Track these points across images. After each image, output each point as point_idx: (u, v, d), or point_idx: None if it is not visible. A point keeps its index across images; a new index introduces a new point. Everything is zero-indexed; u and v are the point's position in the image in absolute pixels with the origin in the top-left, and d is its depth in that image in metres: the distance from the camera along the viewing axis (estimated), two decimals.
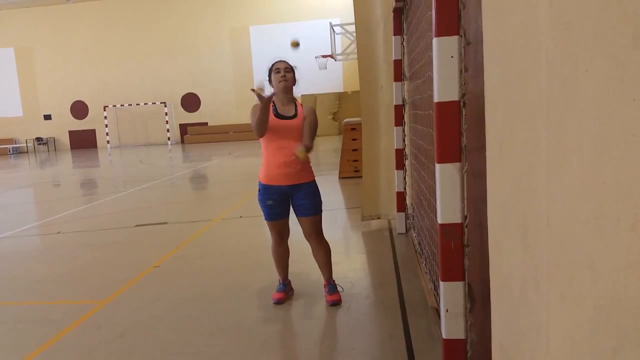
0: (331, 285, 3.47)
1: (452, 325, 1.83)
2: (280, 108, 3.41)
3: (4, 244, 6.10)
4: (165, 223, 6.57)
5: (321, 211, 3.48)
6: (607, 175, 0.79)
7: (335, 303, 3.37)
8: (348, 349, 2.78)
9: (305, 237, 3.47)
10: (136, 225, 6.52)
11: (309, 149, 3.25)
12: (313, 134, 3.40)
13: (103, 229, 6.55)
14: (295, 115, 3.39)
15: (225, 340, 3.00)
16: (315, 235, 3.44)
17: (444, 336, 1.86)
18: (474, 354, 1.87)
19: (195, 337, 3.08)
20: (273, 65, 3.45)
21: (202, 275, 4.28)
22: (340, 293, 3.47)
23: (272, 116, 3.35)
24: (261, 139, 3.38)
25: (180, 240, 5.48)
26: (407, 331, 2.96)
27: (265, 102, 3.15)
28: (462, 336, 1.83)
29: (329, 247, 3.51)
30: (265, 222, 3.50)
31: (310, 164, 3.49)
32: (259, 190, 3.45)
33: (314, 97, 26.86)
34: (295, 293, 3.61)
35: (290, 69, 3.42)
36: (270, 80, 3.46)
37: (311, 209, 3.42)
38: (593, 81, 0.82)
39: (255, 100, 3.27)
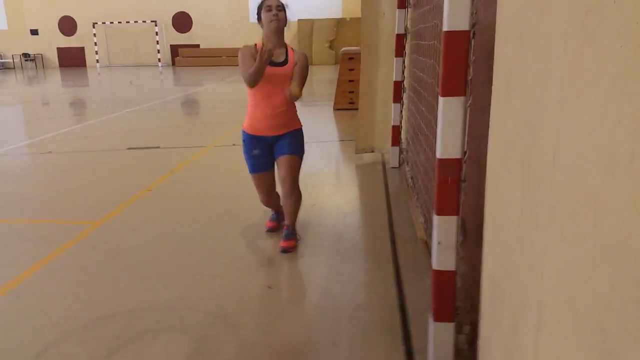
0: (289, 231, 3.26)
1: (443, 257, 1.87)
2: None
3: None
4: (158, 147, 6.52)
5: (301, 157, 3.26)
6: (625, 114, 0.77)
7: (287, 250, 3.18)
8: (338, 275, 2.86)
9: (280, 180, 3.24)
10: (128, 148, 6.48)
11: (296, 96, 3.02)
12: (303, 80, 3.17)
13: (95, 150, 6.50)
14: (285, 62, 3.16)
15: (219, 264, 3.07)
16: (290, 181, 3.20)
17: (434, 267, 1.91)
18: (464, 285, 1.93)
19: (189, 259, 3.14)
20: (263, 2, 3.16)
21: (196, 201, 4.31)
22: (298, 241, 3.30)
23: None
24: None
25: (173, 166, 5.47)
26: (395, 261, 3.04)
27: (266, 59, 2.91)
28: (452, 268, 1.88)
29: (300, 197, 3.28)
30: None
31: (297, 112, 3.32)
32: (244, 140, 3.27)
33: (310, 23, 26.00)
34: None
35: (282, 7, 3.14)
36: (259, 19, 3.19)
37: (291, 147, 3.21)
38: (621, 13, 0.78)
39: (244, 42, 3.00)
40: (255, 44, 3.21)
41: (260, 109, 3.17)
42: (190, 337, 2.30)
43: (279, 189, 3.33)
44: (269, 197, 3.37)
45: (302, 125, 3.31)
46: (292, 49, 3.26)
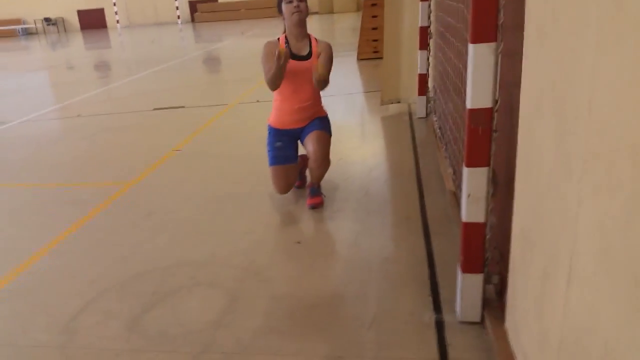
0: (314, 188, 3.22)
1: (472, 209, 1.85)
2: (293, 45, 3.11)
3: (26, 127, 6.19)
4: (183, 107, 6.54)
5: (330, 135, 3.22)
6: None
7: (315, 206, 3.16)
8: (366, 230, 2.88)
9: (310, 152, 3.13)
10: (154, 109, 6.52)
11: (323, 75, 2.95)
12: (329, 66, 3.09)
13: (122, 112, 6.57)
14: (309, 55, 3.10)
15: (247, 221, 3.11)
16: (322, 153, 3.11)
17: (463, 219, 1.89)
18: (493, 237, 1.91)
19: (219, 217, 3.20)
20: None
21: (223, 159, 4.35)
22: (324, 197, 3.26)
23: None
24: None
25: (199, 125, 5.50)
26: (423, 213, 3.03)
27: (282, 63, 2.85)
28: (481, 220, 1.86)
29: (329, 165, 3.21)
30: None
31: (322, 104, 3.29)
32: (269, 133, 3.26)
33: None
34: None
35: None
36: (280, 10, 3.11)
37: (320, 126, 3.17)
38: None
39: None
40: (279, 39, 3.16)
41: (288, 104, 3.16)
42: (224, 292, 2.37)
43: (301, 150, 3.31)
44: (287, 189, 3.24)
45: (327, 114, 3.30)
46: (315, 39, 3.18)
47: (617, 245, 0.90)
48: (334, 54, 3.15)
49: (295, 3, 3.05)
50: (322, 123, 3.22)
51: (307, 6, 3.11)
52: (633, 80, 0.81)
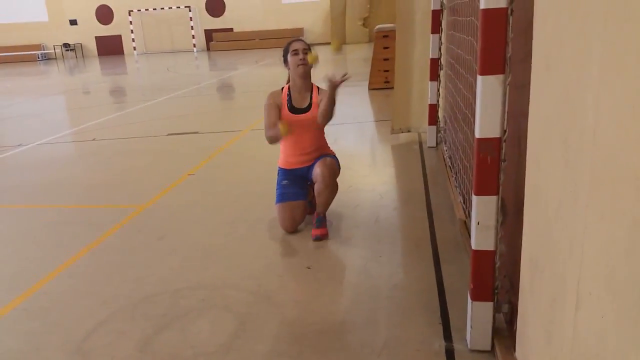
0: (320, 218, 3.16)
1: (482, 237, 1.87)
2: (295, 98, 3.19)
3: (43, 150, 6.33)
4: (197, 132, 6.66)
5: (339, 167, 3.23)
6: None
7: (320, 238, 3.10)
8: (376, 256, 2.89)
9: (318, 175, 3.11)
10: (168, 134, 6.64)
11: (330, 113, 3.01)
12: (332, 104, 3.06)
13: (136, 137, 6.70)
14: (309, 107, 3.17)
15: (258, 245, 3.15)
16: (330, 175, 3.10)
17: (473, 247, 1.91)
18: (503, 265, 1.93)
19: (231, 241, 3.23)
20: (290, 45, 3.16)
21: (236, 183, 4.41)
22: (329, 228, 3.21)
23: (285, 109, 3.17)
24: None
25: (212, 150, 5.59)
26: (433, 241, 3.05)
27: (280, 134, 2.97)
28: (491, 247, 1.88)
29: (337, 190, 3.21)
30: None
31: (328, 145, 3.39)
32: (278, 173, 3.36)
33: (343, 1, 25.63)
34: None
35: (308, 50, 3.12)
36: (286, 62, 3.19)
37: (328, 157, 3.19)
38: None
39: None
40: (282, 89, 3.23)
41: (293, 151, 3.27)
42: (234, 315, 2.39)
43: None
44: (293, 227, 3.21)
45: (335, 153, 3.38)
46: (317, 88, 3.25)
47: (621, 270, 0.92)
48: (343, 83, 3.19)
49: (300, 55, 3.09)
50: (329, 156, 3.27)
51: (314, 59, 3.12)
52: (634, 111, 0.85)
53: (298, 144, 3.24)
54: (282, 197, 3.24)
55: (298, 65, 3.10)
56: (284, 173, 3.33)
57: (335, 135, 5.72)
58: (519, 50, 1.65)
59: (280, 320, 2.34)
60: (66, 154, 6.18)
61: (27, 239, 3.53)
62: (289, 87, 3.24)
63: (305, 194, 3.31)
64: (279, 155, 3.39)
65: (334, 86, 2.96)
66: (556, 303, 1.34)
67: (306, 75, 3.16)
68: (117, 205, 4.06)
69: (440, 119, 5.07)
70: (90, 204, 4.16)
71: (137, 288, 2.70)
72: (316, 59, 3.10)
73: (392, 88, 5.56)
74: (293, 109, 3.19)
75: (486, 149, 1.74)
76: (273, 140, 3.15)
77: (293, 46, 3.14)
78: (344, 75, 2.96)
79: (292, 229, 3.23)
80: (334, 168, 3.18)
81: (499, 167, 1.76)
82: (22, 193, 4.58)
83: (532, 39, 1.49)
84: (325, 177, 3.11)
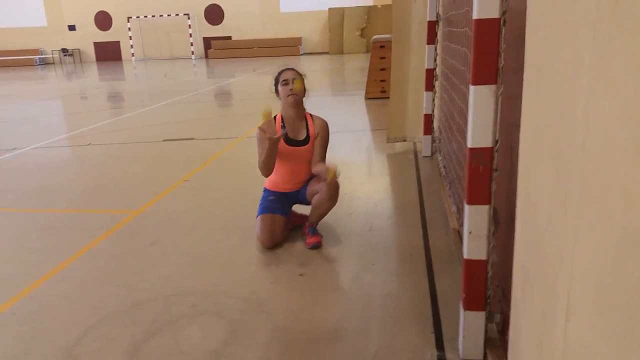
0: (313, 228, 3.15)
1: (474, 246, 1.87)
2: (290, 130, 3.15)
3: (37, 154, 6.31)
4: (192, 139, 6.66)
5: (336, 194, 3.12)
6: None
7: (317, 245, 3.08)
8: (369, 265, 2.88)
9: (323, 186, 3.03)
10: (164, 140, 6.63)
11: (336, 176, 2.92)
12: (324, 154, 3.18)
13: (132, 142, 6.69)
14: (307, 140, 3.15)
15: (251, 252, 3.13)
16: (335, 186, 3.04)
17: (465, 256, 1.91)
18: (495, 275, 1.93)
19: (223, 248, 3.22)
20: (280, 74, 3.13)
21: (230, 190, 4.40)
22: (322, 236, 3.17)
23: (282, 142, 3.10)
24: None
25: (207, 157, 5.58)
26: (427, 250, 3.05)
27: (272, 144, 2.89)
28: (483, 257, 1.87)
29: (335, 204, 3.14)
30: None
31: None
32: (264, 191, 3.29)
33: (341, 12, 25.78)
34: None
35: (300, 79, 3.10)
36: (277, 91, 3.16)
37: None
38: None
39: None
40: (275, 117, 3.18)
41: (286, 178, 3.21)
42: (225, 322, 2.37)
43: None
44: (271, 240, 3.09)
45: None
46: (311, 117, 3.21)
47: (610, 282, 0.92)
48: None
49: (291, 85, 3.06)
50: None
51: (303, 87, 3.11)
52: (622, 121, 0.86)
53: (294, 174, 3.20)
54: (264, 210, 3.17)
55: (288, 95, 3.07)
56: (272, 193, 3.27)
57: (331, 144, 5.70)
58: (512, 61, 1.66)
59: (272, 327, 2.33)
60: (61, 158, 6.16)
61: (19, 243, 3.51)
62: (281, 117, 3.19)
63: (288, 213, 3.26)
64: (267, 180, 3.29)
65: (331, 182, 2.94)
66: (547, 313, 1.34)
67: (297, 105, 3.12)
68: (111, 210, 4.04)
69: (435, 128, 5.08)
70: (83, 208, 4.14)
71: (128, 294, 2.68)
72: (302, 90, 3.09)
73: (388, 98, 5.58)
74: (289, 141, 3.14)
75: (478, 158, 1.74)
76: (267, 163, 3.01)
77: (283, 76, 3.11)
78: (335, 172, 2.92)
79: (270, 243, 3.10)
80: (338, 184, 3.12)
81: (490, 177, 1.76)
82: (15, 197, 4.56)
83: (524, 50, 1.50)
84: (332, 189, 3.04)
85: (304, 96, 3.15)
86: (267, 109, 2.91)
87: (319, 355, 2.12)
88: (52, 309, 2.57)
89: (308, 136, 3.17)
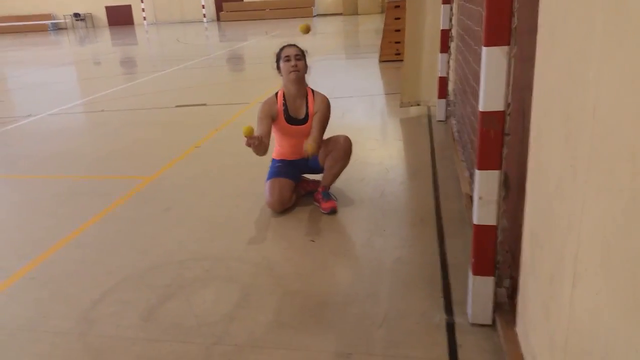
0: (327, 192, 3.20)
1: (484, 212, 1.86)
2: (291, 108, 3.16)
3: (52, 120, 6.36)
4: (204, 104, 6.64)
5: (351, 150, 3.19)
6: None
7: (334, 210, 3.12)
8: (380, 231, 2.89)
9: (336, 145, 3.12)
10: (176, 106, 6.63)
11: (313, 152, 2.90)
12: (322, 131, 3.17)
13: (145, 108, 6.70)
14: (306, 119, 3.17)
15: (263, 217, 3.16)
16: (347, 146, 3.11)
17: (474, 222, 1.90)
18: (504, 239, 1.92)
19: (236, 213, 3.25)
20: (281, 50, 3.14)
21: (241, 156, 4.38)
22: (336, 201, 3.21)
23: (283, 120, 3.15)
24: (273, 130, 3.18)
25: (220, 122, 5.57)
26: (438, 215, 3.04)
27: (257, 144, 2.87)
28: (493, 222, 1.86)
29: (347, 165, 3.22)
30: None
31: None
32: (272, 161, 3.31)
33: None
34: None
35: (301, 55, 3.11)
36: (278, 67, 3.16)
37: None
38: None
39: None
40: (276, 94, 3.19)
41: (289, 151, 3.28)
42: (237, 286, 2.42)
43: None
44: (281, 204, 3.12)
45: None
46: (312, 93, 3.20)
47: (617, 247, 0.91)
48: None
49: (292, 62, 3.08)
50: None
51: (305, 63, 3.14)
52: (633, 85, 0.83)
53: (298, 147, 3.23)
54: (272, 175, 3.21)
55: (290, 72, 3.09)
56: (280, 161, 3.31)
57: (344, 109, 5.68)
58: (525, 22, 1.60)
59: (283, 291, 2.36)
60: (75, 124, 6.20)
61: (35, 209, 3.58)
62: (283, 93, 3.20)
63: (298, 178, 3.30)
64: (274, 149, 3.35)
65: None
66: (554, 279, 1.34)
67: (299, 81, 3.13)
68: (125, 176, 4.08)
69: (450, 92, 4.99)
70: (98, 174, 4.20)
71: (143, 259, 2.73)
72: (304, 66, 3.11)
73: (403, 60, 5.47)
74: (290, 119, 3.18)
75: (490, 122, 1.71)
76: (258, 153, 3.02)
77: (285, 52, 3.13)
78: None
79: (279, 206, 3.13)
80: (351, 145, 3.17)
81: (502, 141, 1.73)
82: (31, 163, 4.62)
83: (538, 10, 1.44)
84: (345, 146, 3.11)
85: (305, 73, 3.17)
86: (248, 127, 2.88)
87: (329, 318, 2.15)
88: (69, 274, 2.64)
89: (307, 114, 3.19)
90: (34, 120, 6.40)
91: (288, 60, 3.09)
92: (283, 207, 3.16)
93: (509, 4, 1.57)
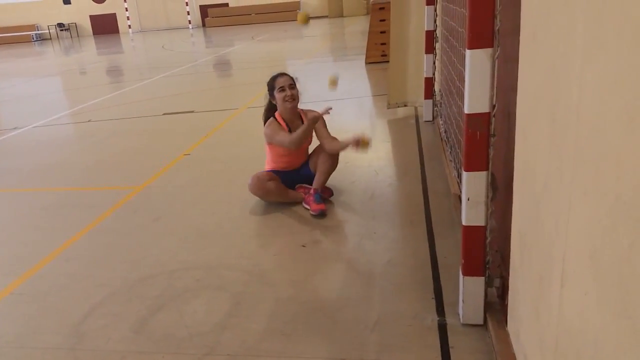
0: (318, 195, 3.25)
1: (472, 213, 1.86)
2: (293, 128, 3.30)
3: (39, 132, 6.30)
4: (192, 112, 6.61)
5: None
6: None
7: (324, 213, 3.16)
8: (370, 233, 2.89)
9: (325, 143, 3.28)
10: (164, 114, 6.59)
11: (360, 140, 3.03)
12: (328, 131, 3.34)
13: (132, 117, 6.65)
14: None
15: (254, 224, 3.15)
16: (336, 146, 3.25)
17: (463, 223, 1.90)
18: (493, 240, 1.92)
19: (226, 221, 3.23)
20: (274, 81, 3.26)
21: (231, 162, 4.39)
22: (326, 204, 3.28)
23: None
24: (269, 148, 3.34)
25: (208, 129, 5.55)
26: (428, 217, 3.04)
27: (311, 124, 3.05)
28: (482, 223, 1.87)
29: (337, 164, 3.36)
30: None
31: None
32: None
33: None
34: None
35: (293, 85, 3.26)
36: (272, 96, 3.29)
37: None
38: None
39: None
40: (275, 118, 3.33)
41: (284, 165, 3.39)
42: (229, 294, 2.40)
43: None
44: (261, 188, 3.27)
45: None
46: (303, 112, 3.36)
47: (603, 248, 0.91)
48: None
49: (287, 92, 3.22)
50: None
51: (298, 91, 3.28)
52: (615, 86, 0.83)
53: (290, 163, 3.40)
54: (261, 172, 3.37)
55: (285, 101, 3.24)
56: (274, 170, 3.41)
57: (332, 111, 5.65)
58: (509, 23, 1.61)
59: (275, 298, 2.35)
60: (62, 136, 6.14)
61: (23, 222, 3.53)
62: (280, 115, 3.35)
63: (290, 187, 3.41)
64: (266, 164, 3.46)
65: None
66: (543, 279, 1.34)
67: (294, 109, 3.30)
68: (113, 187, 4.05)
69: (436, 92, 5.01)
70: (86, 186, 4.16)
71: (133, 270, 2.71)
72: (297, 95, 3.27)
73: (389, 61, 5.49)
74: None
75: (475, 124, 1.71)
76: (300, 139, 3.11)
77: (278, 82, 3.25)
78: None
79: (259, 190, 3.28)
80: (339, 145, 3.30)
81: (488, 143, 1.74)
82: (18, 176, 4.57)
83: (520, 11, 1.45)
84: (334, 147, 3.24)
85: (298, 100, 3.32)
86: (333, 76, 3.15)
87: (322, 324, 2.14)
88: (59, 288, 2.61)
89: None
90: (21, 132, 6.33)
91: (283, 91, 3.23)
92: (263, 191, 3.28)
93: (491, 6, 1.58)
